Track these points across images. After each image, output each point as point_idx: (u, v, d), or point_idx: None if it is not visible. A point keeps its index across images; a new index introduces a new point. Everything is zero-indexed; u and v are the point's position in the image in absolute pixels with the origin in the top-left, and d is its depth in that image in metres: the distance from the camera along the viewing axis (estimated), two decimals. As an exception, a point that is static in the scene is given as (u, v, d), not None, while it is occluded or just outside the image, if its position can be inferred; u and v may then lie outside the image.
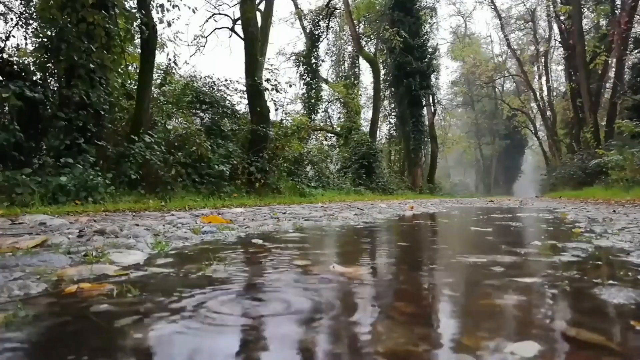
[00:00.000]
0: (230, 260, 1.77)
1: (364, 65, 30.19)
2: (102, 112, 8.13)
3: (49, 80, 8.41)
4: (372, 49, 28.64)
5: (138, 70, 10.52)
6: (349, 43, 29.52)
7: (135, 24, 9.25)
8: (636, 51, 20.03)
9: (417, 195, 23.11)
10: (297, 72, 26.97)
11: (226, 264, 1.67)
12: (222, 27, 33.44)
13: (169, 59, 13.27)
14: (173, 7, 10.01)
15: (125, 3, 9.40)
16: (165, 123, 11.49)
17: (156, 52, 10.39)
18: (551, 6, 29.06)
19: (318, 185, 16.45)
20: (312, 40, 27.35)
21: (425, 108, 29.34)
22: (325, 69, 31.19)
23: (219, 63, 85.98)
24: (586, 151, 20.71)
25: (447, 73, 60.35)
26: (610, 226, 3.27)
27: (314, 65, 27.06)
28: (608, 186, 14.31)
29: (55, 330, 0.92)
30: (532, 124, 41.88)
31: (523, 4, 34.05)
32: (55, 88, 8.28)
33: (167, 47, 14.78)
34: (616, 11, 21.99)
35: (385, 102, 30.03)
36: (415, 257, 2.03)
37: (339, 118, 29.00)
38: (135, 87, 10.36)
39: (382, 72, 27.46)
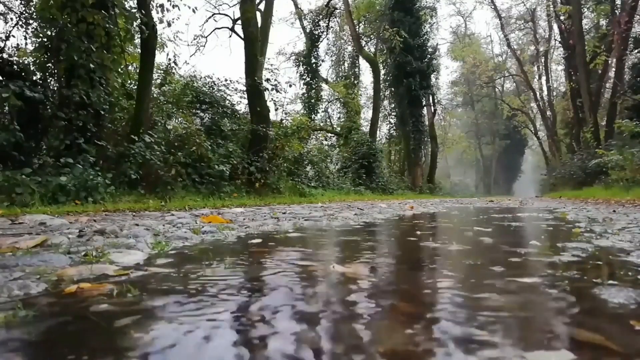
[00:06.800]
0: (230, 260, 1.77)
1: (364, 65, 30.26)
2: (102, 112, 8.14)
3: (49, 80, 8.41)
4: (372, 49, 28.64)
5: (138, 70, 10.53)
6: (349, 43, 29.54)
7: (135, 24, 9.25)
8: (636, 51, 20.03)
9: (417, 195, 23.11)
10: (297, 72, 27.03)
11: (226, 264, 1.67)
12: (222, 27, 33.63)
13: (169, 59, 13.31)
14: (173, 7, 10.02)
15: (125, 3, 9.41)
16: (165, 123, 11.49)
17: (156, 52, 10.40)
18: (551, 6, 29.06)
19: (318, 185, 16.45)
20: (312, 40, 27.35)
21: (425, 108, 29.37)
22: (325, 69, 31.26)
23: (219, 63, 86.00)
24: (586, 151, 20.70)
25: (447, 73, 60.60)
26: (610, 226, 3.27)
27: (314, 65, 27.08)
28: (608, 186, 14.31)
29: (55, 330, 0.92)
30: (532, 124, 41.90)
31: (523, 4, 34.08)
32: (55, 88, 8.28)
33: (167, 47, 14.84)
34: (616, 11, 21.99)
35: (385, 102, 30.04)
36: (415, 257, 2.03)
37: (339, 118, 29.02)
38: (135, 87, 10.37)
39: (382, 72, 27.46)
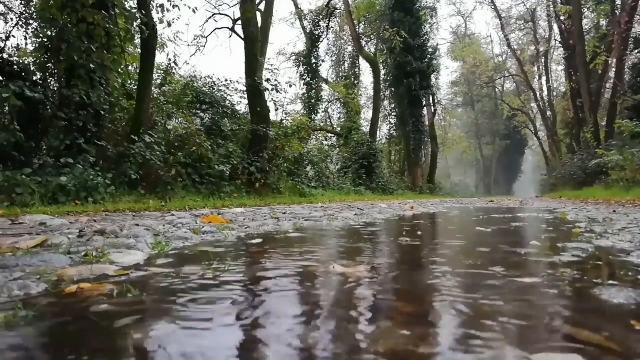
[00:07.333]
0: (230, 260, 1.77)
1: (364, 65, 30.26)
2: (102, 112, 8.14)
3: (49, 80, 8.41)
4: (372, 49, 28.64)
5: (138, 70, 10.53)
6: (349, 43, 29.54)
7: (135, 24, 9.25)
8: (636, 51, 20.03)
9: (417, 195, 23.11)
10: (297, 72, 27.03)
11: (226, 264, 1.67)
12: (222, 27, 33.65)
13: (169, 59, 13.31)
14: (173, 7, 10.03)
15: (125, 3, 9.42)
16: (165, 123, 11.49)
17: (156, 52, 10.40)
18: (551, 6, 29.06)
19: (318, 185, 16.45)
20: (312, 40, 27.35)
21: (425, 108, 29.36)
22: (325, 69, 31.25)
23: (219, 63, 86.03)
24: (586, 151, 20.70)
25: (447, 73, 60.65)
26: (610, 226, 3.27)
27: (314, 65, 27.07)
28: (608, 186, 14.31)
29: (55, 330, 0.92)
30: (532, 124, 41.90)
31: (523, 4, 34.10)
32: (55, 88, 8.28)
33: (167, 47, 14.84)
34: (616, 11, 21.99)
35: (385, 102, 30.04)
36: (415, 257, 2.03)
37: (339, 118, 29.03)
38: (135, 87, 10.37)
39: (382, 72, 27.46)
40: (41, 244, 2.06)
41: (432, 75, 29.38)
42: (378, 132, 28.55)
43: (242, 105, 15.06)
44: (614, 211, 5.62)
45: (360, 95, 31.15)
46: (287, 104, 24.67)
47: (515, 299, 1.16)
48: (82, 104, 7.65)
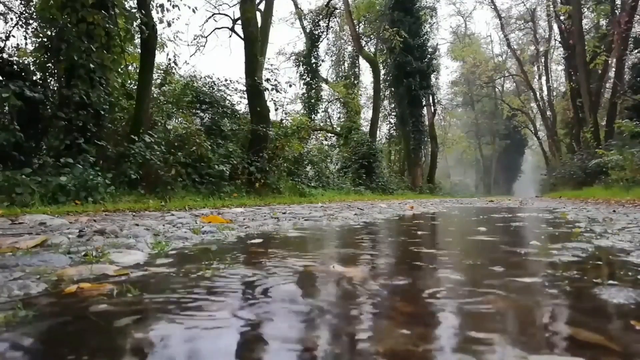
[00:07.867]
0: (230, 260, 1.77)
1: (364, 65, 30.25)
2: (102, 112, 8.14)
3: (49, 80, 8.41)
4: (372, 49, 28.63)
5: (138, 70, 10.53)
6: (349, 43, 29.53)
7: (135, 24, 9.25)
8: (636, 51, 20.04)
9: (417, 195, 23.11)
10: (297, 72, 27.02)
11: (226, 264, 1.67)
12: (222, 27, 33.58)
13: (169, 59, 13.28)
14: (173, 7, 10.03)
15: (125, 3, 9.42)
16: (165, 123, 11.49)
17: (156, 52, 10.40)
18: (551, 6, 29.06)
19: (318, 185, 16.45)
20: (312, 40, 27.34)
21: (425, 108, 29.38)
22: (325, 69, 31.23)
23: (219, 63, 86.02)
24: (586, 151, 20.70)
25: (447, 73, 60.70)
26: (610, 226, 3.27)
27: (314, 65, 27.07)
28: (608, 186, 14.31)
29: (55, 330, 0.92)
30: (532, 124, 41.91)
31: (523, 4, 34.10)
32: (55, 88, 8.28)
33: (167, 47, 14.82)
34: (616, 11, 21.99)
35: (385, 102, 30.04)
36: (415, 258, 2.03)
37: (339, 118, 29.02)
38: (135, 87, 10.37)
39: (382, 72, 27.45)
40: (41, 244, 2.06)
41: (432, 75, 29.40)
42: (378, 132, 28.56)
43: (242, 105, 15.08)
44: (614, 211, 5.62)
45: (360, 95, 31.16)
46: (287, 104, 24.67)
47: (515, 299, 1.16)
48: (82, 104, 7.65)
